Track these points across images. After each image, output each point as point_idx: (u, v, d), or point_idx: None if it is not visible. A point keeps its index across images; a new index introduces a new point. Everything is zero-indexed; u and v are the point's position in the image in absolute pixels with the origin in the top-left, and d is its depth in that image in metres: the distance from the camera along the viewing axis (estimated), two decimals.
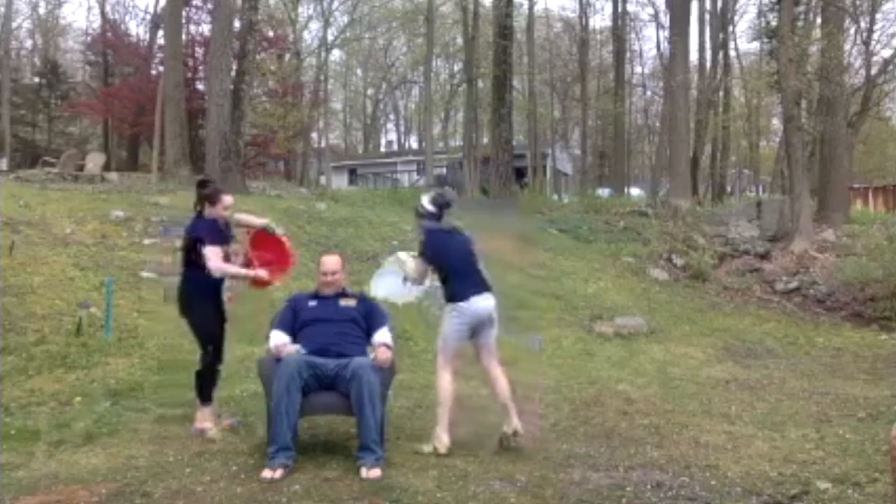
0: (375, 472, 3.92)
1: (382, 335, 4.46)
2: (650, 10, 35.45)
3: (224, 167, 14.46)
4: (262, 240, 5.02)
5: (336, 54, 39.87)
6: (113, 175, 16.61)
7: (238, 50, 16.23)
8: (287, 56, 30.22)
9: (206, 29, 24.37)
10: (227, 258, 4.73)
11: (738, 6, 30.05)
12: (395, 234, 12.08)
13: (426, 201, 4.63)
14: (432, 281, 4.75)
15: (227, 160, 14.61)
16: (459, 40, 30.44)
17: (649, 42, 67.72)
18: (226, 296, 4.81)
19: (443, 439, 4.38)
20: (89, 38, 33.53)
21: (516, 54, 24.26)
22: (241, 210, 5.29)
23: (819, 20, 17.12)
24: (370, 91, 46.03)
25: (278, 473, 3.87)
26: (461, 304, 4.44)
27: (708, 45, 27.42)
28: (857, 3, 18.49)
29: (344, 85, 44.67)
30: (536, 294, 9.91)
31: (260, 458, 4.09)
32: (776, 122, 32.76)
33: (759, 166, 34.70)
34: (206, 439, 4.51)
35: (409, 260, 4.82)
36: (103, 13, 32.71)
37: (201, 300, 4.69)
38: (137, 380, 5.85)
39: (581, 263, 12.41)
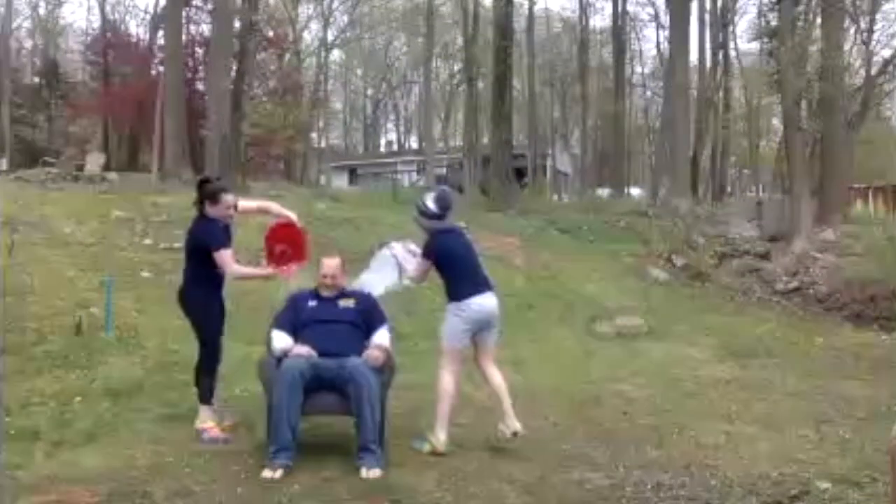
0: (375, 473, 3.92)
1: (381, 336, 4.46)
2: (650, 10, 35.34)
3: (224, 167, 14.47)
4: (282, 230, 4.93)
5: (336, 54, 39.95)
6: (113, 175, 16.60)
7: (238, 50, 16.24)
8: (287, 56, 30.23)
9: (206, 29, 24.36)
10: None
11: (738, 6, 30.07)
12: (395, 234, 12.06)
13: (430, 202, 4.55)
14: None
15: (227, 160, 14.62)
16: (459, 40, 30.44)
17: (649, 42, 67.70)
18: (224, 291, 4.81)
19: (441, 438, 4.38)
20: (89, 38, 33.52)
21: (516, 54, 24.24)
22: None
23: (819, 20, 17.10)
24: (370, 91, 46.08)
25: (278, 473, 3.87)
26: (465, 302, 4.43)
27: (708, 45, 27.42)
28: (857, 3, 18.49)
29: (344, 85, 44.68)
30: (537, 294, 9.92)
31: (260, 457, 4.09)
32: (776, 122, 32.76)
33: (758, 166, 34.69)
34: (207, 440, 4.51)
35: (408, 256, 4.80)
36: (103, 13, 32.73)
37: (205, 300, 4.69)
38: (137, 380, 5.84)
39: (581, 263, 12.41)
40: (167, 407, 5.20)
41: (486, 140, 24.24)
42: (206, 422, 4.62)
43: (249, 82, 17.01)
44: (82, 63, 33.58)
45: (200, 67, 24.57)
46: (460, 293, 4.45)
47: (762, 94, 28.05)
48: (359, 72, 44.79)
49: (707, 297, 11.80)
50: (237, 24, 16.27)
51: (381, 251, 5.00)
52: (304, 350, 4.25)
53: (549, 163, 33.00)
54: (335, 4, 34.89)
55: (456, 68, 37.83)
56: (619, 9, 30.88)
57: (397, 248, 4.93)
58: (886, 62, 18.69)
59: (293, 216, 4.95)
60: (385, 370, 4.32)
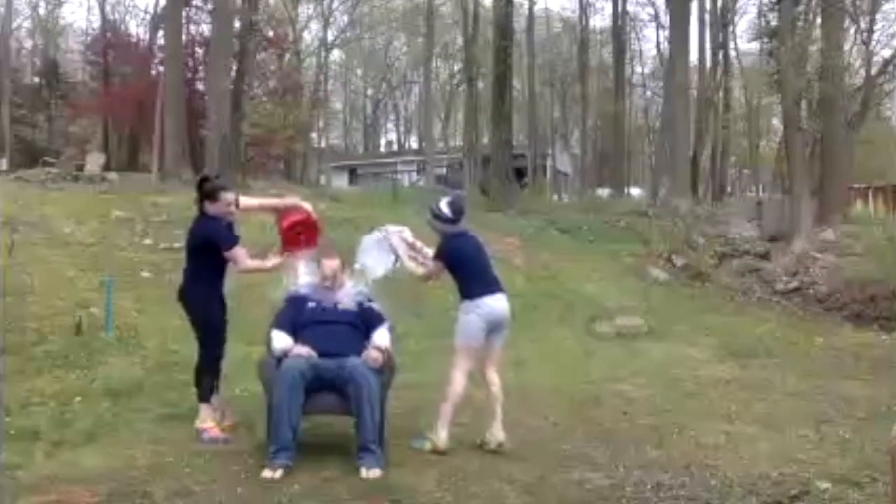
0: (375, 472, 3.92)
1: (380, 336, 4.46)
2: (650, 10, 35.31)
3: (224, 167, 14.48)
4: (296, 214, 4.88)
5: (336, 54, 39.94)
6: (113, 175, 16.61)
7: (238, 50, 16.24)
8: (287, 56, 30.23)
9: (206, 29, 24.32)
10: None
11: (738, 6, 30.06)
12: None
13: (444, 206, 4.59)
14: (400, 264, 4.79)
15: (227, 160, 14.63)
16: (459, 40, 30.45)
17: (649, 42, 67.56)
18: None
19: (442, 436, 4.38)
20: (89, 38, 33.51)
21: (516, 54, 24.24)
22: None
23: (819, 20, 17.11)
24: (370, 91, 46.07)
25: (278, 473, 3.87)
26: (478, 301, 4.46)
27: (708, 45, 27.42)
28: (857, 3, 18.49)
29: (344, 85, 44.67)
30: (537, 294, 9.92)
31: (260, 457, 4.08)
32: (776, 122, 32.75)
33: (758, 166, 34.69)
34: (207, 440, 4.50)
35: (401, 244, 4.81)
36: (103, 13, 32.71)
37: (205, 298, 4.69)
38: (137, 380, 5.85)
39: (581, 263, 12.41)
40: (167, 407, 5.20)
41: (486, 140, 24.26)
42: (206, 421, 4.62)
43: (249, 82, 17.02)
44: (82, 63, 33.56)
45: (200, 67, 24.54)
46: (473, 292, 4.49)
47: (762, 94, 28.06)
48: (359, 72, 44.79)
49: (707, 297, 11.81)
50: (237, 24, 16.28)
51: (375, 233, 5.01)
52: (304, 350, 4.26)
53: (549, 163, 33.00)
54: (335, 4, 34.91)
55: (456, 68, 37.85)
56: (619, 9, 30.89)
57: (391, 231, 4.95)
58: (886, 62, 18.69)
59: (301, 202, 4.94)
60: (385, 370, 4.31)
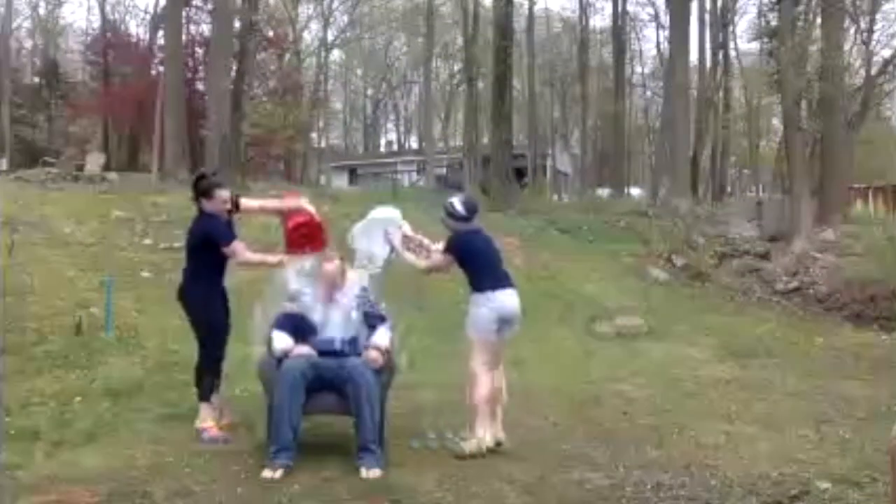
0: (375, 473, 3.92)
1: (380, 336, 4.45)
2: (650, 10, 35.29)
3: (224, 167, 14.48)
4: (301, 216, 4.89)
5: (336, 54, 39.94)
6: (113, 175, 16.62)
7: (238, 50, 16.24)
8: (287, 56, 30.23)
9: (206, 29, 24.36)
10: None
11: (738, 6, 30.03)
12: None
13: (458, 205, 4.62)
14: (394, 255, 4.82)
15: (227, 160, 14.64)
16: (459, 40, 30.44)
17: (649, 42, 67.43)
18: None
19: (486, 440, 4.38)
20: (89, 38, 33.52)
21: (516, 54, 24.23)
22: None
23: (819, 20, 17.11)
24: (370, 91, 46.05)
25: (278, 473, 3.87)
26: (489, 294, 4.46)
27: (708, 45, 27.41)
28: (857, 3, 18.50)
29: (344, 85, 44.67)
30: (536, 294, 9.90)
31: (260, 457, 4.09)
32: (776, 122, 32.75)
33: (759, 166, 34.69)
34: (207, 440, 4.50)
35: (396, 232, 4.83)
36: (103, 13, 32.72)
37: (205, 297, 4.69)
38: (137, 380, 5.85)
39: (581, 263, 12.41)
40: (167, 407, 5.20)
41: (486, 140, 24.24)
42: (206, 420, 4.62)
43: (249, 82, 17.02)
44: (82, 63, 33.57)
45: (200, 67, 24.57)
46: (484, 285, 4.50)
47: (762, 94, 28.06)
48: (359, 72, 44.77)
49: (707, 297, 11.81)
50: (237, 24, 16.29)
51: (365, 221, 5.03)
52: (304, 350, 4.26)
53: (549, 163, 32.99)
54: (335, 4, 34.91)
55: (456, 68, 37.83)
56: (619, 9, 30.87)
57: (378, 220, 4.96)
58: (886, 62, 18.70)
59: (304, 204, 4.93)
60: (385, 370, 4.32)
